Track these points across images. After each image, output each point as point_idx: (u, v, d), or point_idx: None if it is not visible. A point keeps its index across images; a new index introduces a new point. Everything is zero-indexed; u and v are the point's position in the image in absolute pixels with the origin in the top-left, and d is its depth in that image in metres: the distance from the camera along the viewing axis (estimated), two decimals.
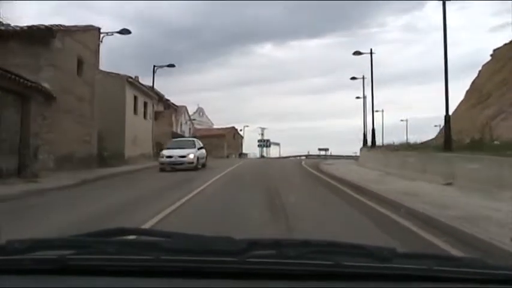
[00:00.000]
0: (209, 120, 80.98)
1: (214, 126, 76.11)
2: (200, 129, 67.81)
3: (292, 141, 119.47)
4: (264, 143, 78.03)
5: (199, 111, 79.42)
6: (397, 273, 1.38)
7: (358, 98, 39.96)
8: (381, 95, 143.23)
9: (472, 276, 1.38)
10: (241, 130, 78.95)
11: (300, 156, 67.68)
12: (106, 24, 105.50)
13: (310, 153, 70.93)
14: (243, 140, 78.94)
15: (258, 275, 1.38)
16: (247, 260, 1.41)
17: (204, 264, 1.42)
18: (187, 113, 61.51)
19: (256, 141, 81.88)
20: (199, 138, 38.32)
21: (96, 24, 26.28)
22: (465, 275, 1.38)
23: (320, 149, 76.12)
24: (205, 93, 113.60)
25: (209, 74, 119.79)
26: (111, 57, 72.70)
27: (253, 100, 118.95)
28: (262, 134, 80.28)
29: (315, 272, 1.39)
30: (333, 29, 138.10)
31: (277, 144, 79.45)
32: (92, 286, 1.39)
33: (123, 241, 1.60)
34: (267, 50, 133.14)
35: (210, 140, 56.97)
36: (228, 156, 61.69)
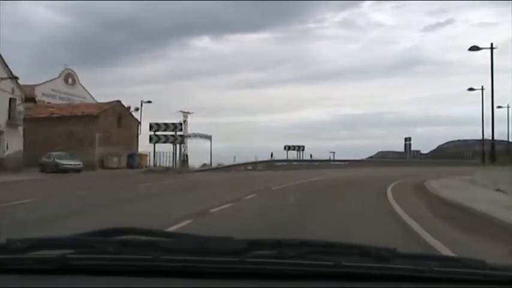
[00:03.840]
0: (87, 92, 51.98)
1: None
2: (49, 106, 42.91)
3: (229, 136, 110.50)
4: (176, 138, 41.79)
5: (67, 77, 49.74)
6: (397, 273, 1.38)
7: (471, 89, 35.84)
8: (316, 91, 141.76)
9: (471, 276, 1.37)
10: (137, 109, 46.95)
11: (254, 163, 47.45)
12: (37, 12, 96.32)
13: (277, 158, 51.82)
14: (139, 127, 45.68)
15: (257, 275, 1.38)
16: (247, 260, 1.41)
17: (203, 264, 1.42)
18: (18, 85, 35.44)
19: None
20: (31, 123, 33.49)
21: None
22: (465, 275, 1.37)
23: (291, 148, 56.72)
24: (142, 86, 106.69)
25: (146, 67, 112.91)
26: (44, 46, 69.02)
27: (192, 94, 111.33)
28: (184, 122, 50.75)
29: (314, 272, 1.39)
30: (270, 24, 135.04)
31: (208, 137, 51.99)
32: (91, 285, 1.40)
33: (123, 241, 1.61)
34: (205, 43, 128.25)
35: (68, 127, 39.49)
36: (105, 165, 39.33)
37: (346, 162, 55.25)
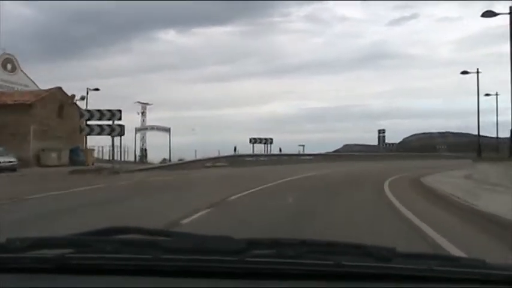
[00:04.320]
0: (30, 80, 45.28)
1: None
2: None
3: (195, 130, 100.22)
4: (113, 129, 29.02)
5: (6, 62, 41.95)
6: (397, 273, 1.38)
7: (465, 72, 34.55)
8: (282, 85, 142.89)
9: (472, 276, 1.37)
10: (83, 98, 39.58)
11: (216, 159, 39.42)
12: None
13: (241, 153, 44.45)
14: (83, 121, 30.62)
15: (257, 275, 1.39)
16: (247, 259, 1.41)
17: (203, 264, 1.43)
18: None
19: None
20: None
21: None
22: (465, 275, 1.38)
23: (257, 141, 49.13)
24: (108, 80, 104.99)
25: (111, 60, 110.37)
26: (8, 38, 67.87)
27: (158, 88, 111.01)
28: (142, 114, 45.01)
29: (314, 271, 1.39)
30: (236, 17, 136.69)
31: (166, 130, 47.33)
32: (91, 285, 1.40)
33: (123, 240, 1.62)
34: (171, 36, 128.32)
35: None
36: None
37: (315, 156, 51.05)
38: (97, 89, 41.72)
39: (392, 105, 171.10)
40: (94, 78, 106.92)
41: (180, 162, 37.86)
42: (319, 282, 1.37)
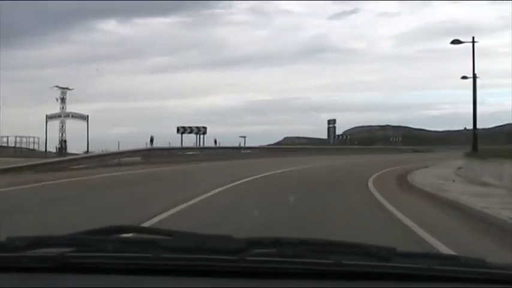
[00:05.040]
0: None
1: None
2: None
3: (137, 122, 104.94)
4: None
5: None
6: (397, 272, 1.38)
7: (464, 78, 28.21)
8: (224, 77, 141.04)
9: (471, 275, 1.37)
10: None
11: (123, 153, 28.02)
12: None
13: (161, 146, 34.47)
14: None
15: (257, 274, 1.39)
16: (247, 258, 1.41)
17: (203, 263, 1.42)
18: None
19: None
20: None
21: None
22: (465, 274, 1.38)
23: (186, 130, 42.55)
24: (45, 70, 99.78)
25: (49, 50, 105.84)
26: None
27: (97, 78, 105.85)
28: (62, 100, 39.81)
29: (314, 271, 1.39)
30: (179, 8, 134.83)
31: (83, 117, 41.09)
32: (91, 284, 1.40)
33: (123, 239, 1.62)
34: (112, 27, 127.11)
35: None
36: None
37: (259, 150, 44.09)
38: None
39: (333, 98, 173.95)
40: (30, 69, 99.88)
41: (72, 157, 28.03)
42: (319, 282, 1.37)
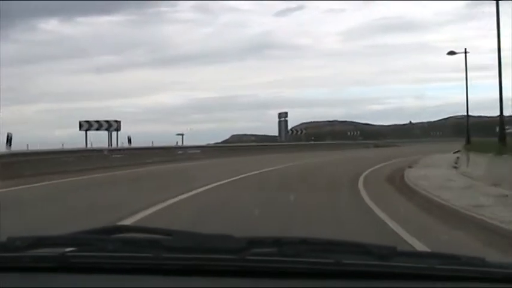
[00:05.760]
0: None
1: None
2: None
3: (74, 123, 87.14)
4: None
5: None
6: (397, 271, 1.38)
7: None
8: (170, 75, 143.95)
9: (471, 274, 1.37)
10: None
11: None
12: None
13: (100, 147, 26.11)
14: None
15: (258, 273, 1.39)
16: (247, 258, 1.41)
17: (204, 262, 1.42)
18: None
19: None
20: None
21: None
22: (465, 273, 1.38)
23: (92, 126, 32.46)
24: None
25: None
26: None
27: (38, 79, 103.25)
28: None
29: (314, 270, 1.39)
30: (123, 6, 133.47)
31: None
32: (91, 284, 1.40)
33: (124, 239, 1.61)
34: (54, 26, 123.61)
35: None
36: None
37: (202, 149, 33.53)
38: None
39: (281, 94, 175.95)
40: None
41: None
42: (319, 281, 1.37)
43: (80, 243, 1.55)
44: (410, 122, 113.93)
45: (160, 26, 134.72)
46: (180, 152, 31.26)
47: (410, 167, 17.06)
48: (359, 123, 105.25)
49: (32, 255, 1.48)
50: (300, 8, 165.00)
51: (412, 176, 13.66)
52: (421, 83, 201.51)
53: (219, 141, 62.14)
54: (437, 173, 14.85)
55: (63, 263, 1.44)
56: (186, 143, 36.11)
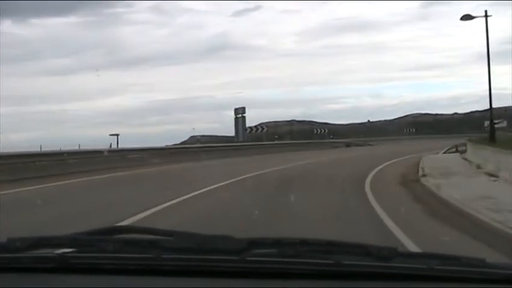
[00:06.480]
0: None
1: None
2: None
3: (36, 127, 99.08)
4: None
5: None
6: (398, 272, 1.38)
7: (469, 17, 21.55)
8: (127, 77, 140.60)
9: (472, 275, 1.37)
10: None
11: None
12: None
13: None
14: None
15: (258, 274, 1.39)
16: (248, 259, 1.41)
17: (204, 263, 1.42)
18: None
19: None
20: None
21: None
22: (465, 274, 1.38)
23: None
24: None
25: None
26: None
27: None
28: None
29: (315, 271, 1.39)
30: (78, 7, 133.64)
31: None
32: (92, 284, 1.40)
33: (124, 239, 1.61)
34: (6, 27, 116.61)
35: None
36: None
37: (146, 152, 24.94)
38: None
39: (239, 95, 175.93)
40: None
41: None
42: (320, 282, 1.37)
43: (80, 244, 1.55)
44: (368, 120, 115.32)
45: (116, 27, 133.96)
46: (107, 153, 22.67)
47: (424, 175, 12.64)
48: (317, 122, 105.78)
49: (32, 256, 1.48)
50: (256, 8, 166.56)
51: (449, 196, 8.70)
52: (377, 82, 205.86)
53: (178, 142, 56.64)
54: (477, 186, 10.25)
55: (63, 264, 1.44)
56: (138, 145, 27.53)
